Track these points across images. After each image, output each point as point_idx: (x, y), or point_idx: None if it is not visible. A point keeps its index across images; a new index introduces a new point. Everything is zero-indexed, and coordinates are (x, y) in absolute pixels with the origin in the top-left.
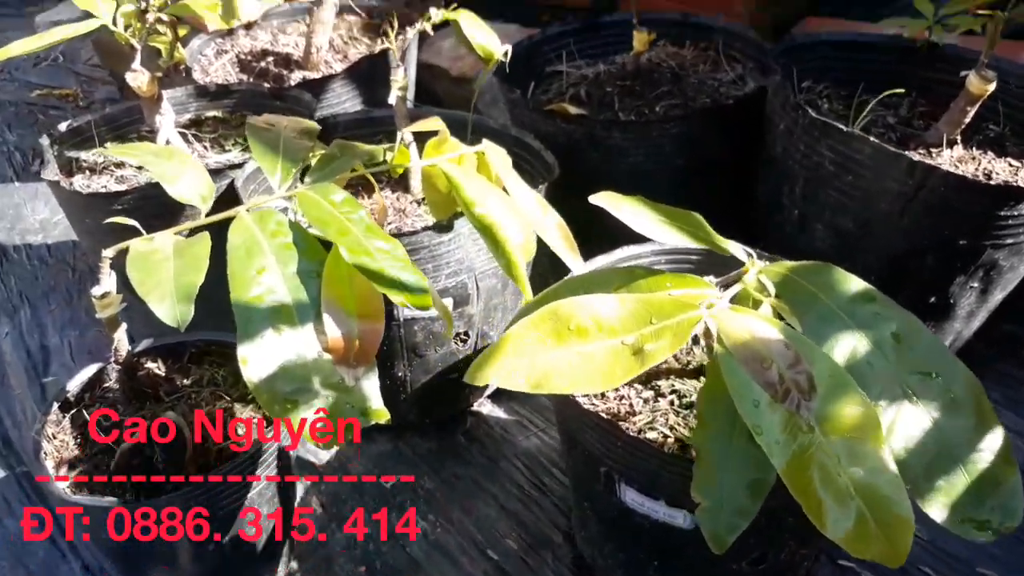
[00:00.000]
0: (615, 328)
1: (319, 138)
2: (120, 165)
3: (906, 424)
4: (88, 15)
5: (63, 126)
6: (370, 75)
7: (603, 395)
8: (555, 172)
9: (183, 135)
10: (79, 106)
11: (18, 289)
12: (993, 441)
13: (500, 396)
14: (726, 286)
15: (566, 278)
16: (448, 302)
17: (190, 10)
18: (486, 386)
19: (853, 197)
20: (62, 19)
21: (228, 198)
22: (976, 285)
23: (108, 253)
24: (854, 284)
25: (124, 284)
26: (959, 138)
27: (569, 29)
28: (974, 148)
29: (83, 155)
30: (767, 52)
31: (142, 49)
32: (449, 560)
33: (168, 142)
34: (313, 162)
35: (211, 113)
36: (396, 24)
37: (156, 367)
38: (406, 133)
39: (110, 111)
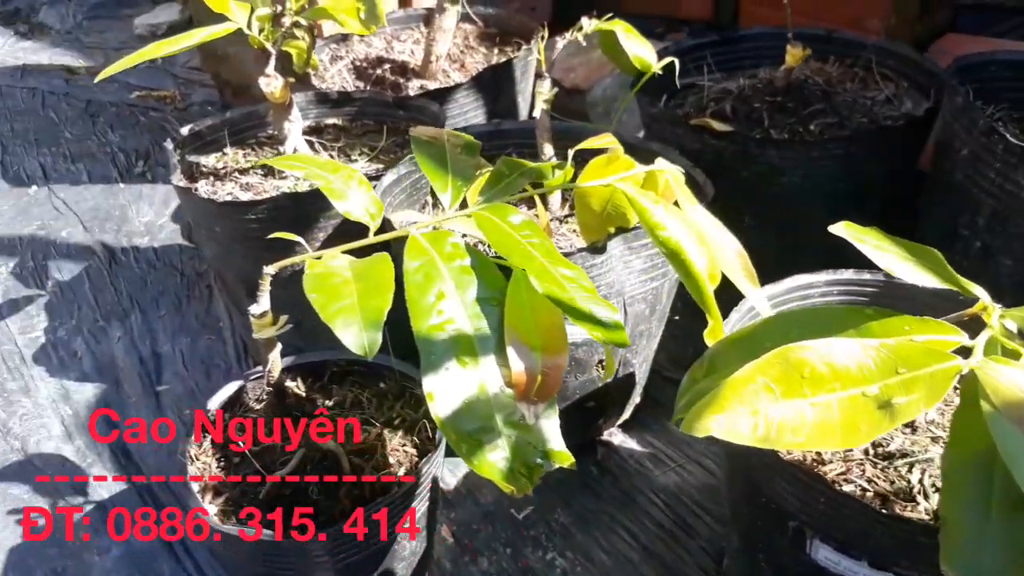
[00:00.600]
0: (856, 377)
1: None
2: (244, 171)
3: None
4: (223, 18)
5: (185, 130)
6: (492, 85)
7: None
8: (709, 194)
9: (309, 143)
10: (177, 108)
11: (128, 293)
12: None
13: (631, 426)
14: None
15: (763, 318)
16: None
17: (329, 14)
18: (620, 415)
19: None
20: (160, 21)
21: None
22: None
23: (270, 270)
24: None
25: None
26: None
27: (706, 42)
28: None
29: (203, 159)
30: (930, 71)
31: (276, 53)
32: None
33: (296, 150)
34: (479, 180)
35: (331, 120)
36: (513, 42)
37: (296, 386)
38: (548, 148)
39: (230, 115)
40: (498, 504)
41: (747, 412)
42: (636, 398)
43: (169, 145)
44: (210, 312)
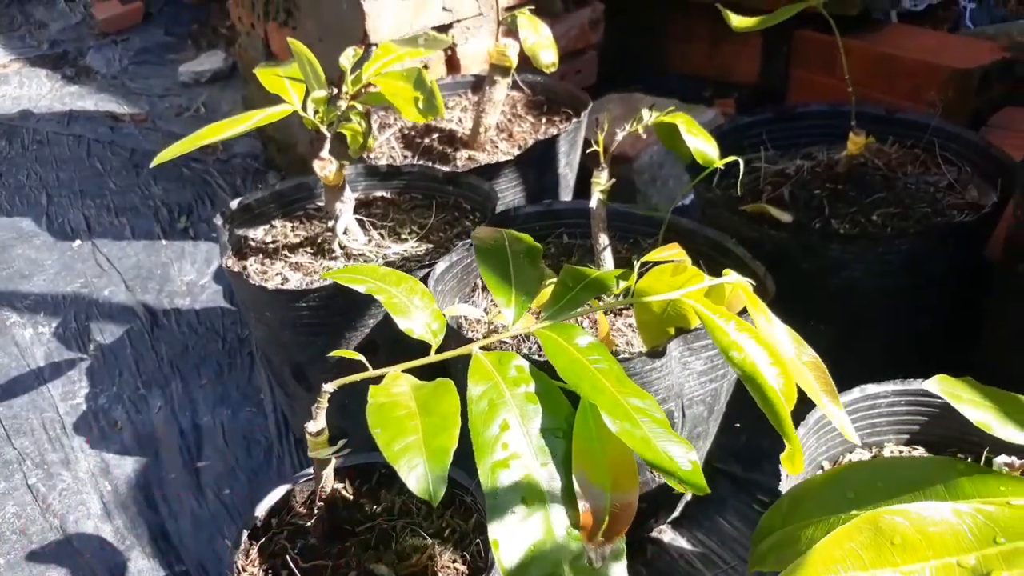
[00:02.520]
0: (949, 545)
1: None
2: (292, 249)
3: None
4: (279, 99)
5: (234, 204)
6: (540, 159)
7: None
8: (771, 291)
9: (360, 222)
10: (220, 159)
11: (168, 359)
12: None
13: (682, 523)
14: None
15: (845, 464)
16: None
17: (386, 101)
18: (671, 513)
19: None
20: (204, 68)
21: None
22: None
23: (329, 388)
24: None
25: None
26: None
27: (761, 119)
28: None
29: (252, 232)
30: (996, 158)
31: (332, 137)
32: None
33: (347, 230)
34: (543, 293)
35: (379, 193)
36: (561, 111)
37: (344, 488)
38: (603, 237)
39: (279, 187)
40: None
41: None
42: (687, 495)
43: (219, 221)
44: (251, 381)
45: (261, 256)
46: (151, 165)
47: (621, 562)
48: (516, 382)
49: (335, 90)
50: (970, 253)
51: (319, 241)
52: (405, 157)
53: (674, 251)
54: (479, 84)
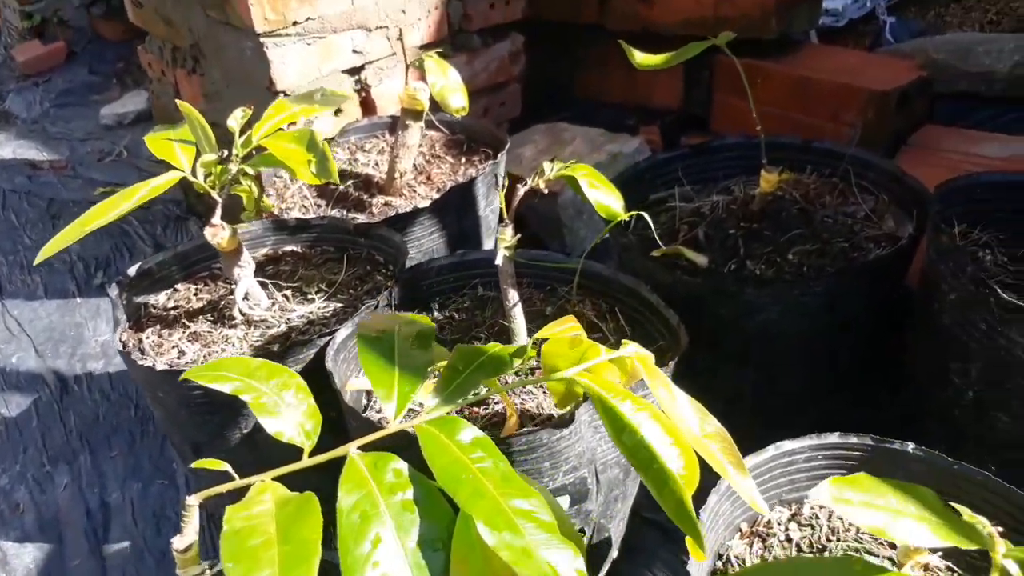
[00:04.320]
0: None
1: (407, 289)
2: (192, 316)
3: None
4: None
5: (132, 270)
6: (459, 203)
7: None
8: (683, 342)
9: (263, 284)
10: (143, 207)
11: (78, 430)
12: None
13: None
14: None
15: (745, 569)
16: (564, 501)
17: (278, 163)
18: (596, 573)
19: None
20: (127, 110)
21: (316, 368)
22: None
23: (193, 501)
24: None
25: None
26: None
27: (678, 154)
28: None
29: (153, 299)
30: (911, 187)
31: (223, 202)
32: None
33: (247, 295)
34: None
35: (289, 248)
36: (480, 151)
37: None
38: (512, 294)
39: (181, 249)
40: None
41: None
42: (613, 553)
43: (113, 292)
44: (164, 452)
45: (159, 326)
46: (35, 262)
47: None
48: (393, 489)
49: (225, 153)
50: (888, 287)
51: (221, 306)
52: (319, 206)
53: (569, 324)
54: (396, 125)
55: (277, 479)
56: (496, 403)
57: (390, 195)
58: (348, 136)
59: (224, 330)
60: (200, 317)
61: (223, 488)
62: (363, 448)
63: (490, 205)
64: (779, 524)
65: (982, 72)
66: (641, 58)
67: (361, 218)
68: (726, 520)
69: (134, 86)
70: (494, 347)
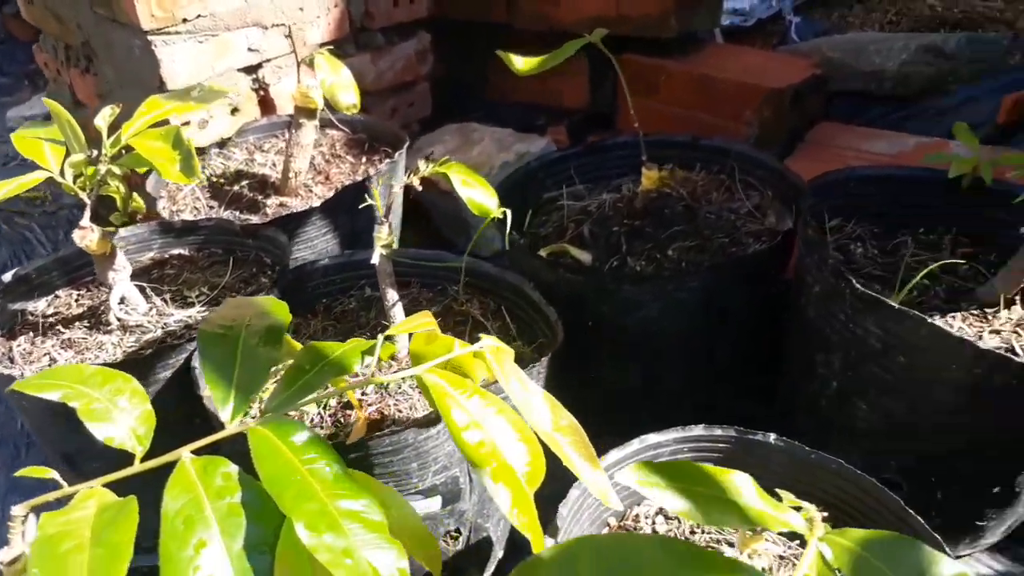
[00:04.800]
0: None
1: (292, 290)
2: (69, 323)
3: None
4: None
5: (8, 276)
6: (353, 203)
7: None
8: (559, 337)
9: (141, 288)
10: (46, 212)
11: None
12: None
13: None
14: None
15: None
16: (436, 501)
17: (145, 162)
18: (481, 573)
19: (905, 380)
20: (35, 113)
21: (185, 382)
22: None
23: (18, 511)
24: (947, 569)
25: None
26: (1018, 297)
27: (569, 153)
28: None
29: (31, 306)
30: (792, 182)
31: (92, 203)
32: None
33: (123, 300)
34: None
35: (176, 251)
36: (381, 150)
37: None
38: (391, 293)
39: (64, 253)
40: None
41: None
42: (499, 553)
43: None
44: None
45: (33, 334)
46: None
47: None
48: (221, 493)
49: (95, 152)
50: (765, 281)
51: (100, 312)
52: (211, 208)
53: (424, 320)
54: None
55: (108, 485)
56: (370, 405)
57: (285, 195)
58: (246, 136)
59: (99, 336)
60: (77, 324)
61: (51, 496)
62: (198, 452)
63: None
64: (646, 518)
65: (873, 71)
66: (521, 64)
67: (255, 219)
68: (592, 515)
69: (46, 87)
70: (343, 346)
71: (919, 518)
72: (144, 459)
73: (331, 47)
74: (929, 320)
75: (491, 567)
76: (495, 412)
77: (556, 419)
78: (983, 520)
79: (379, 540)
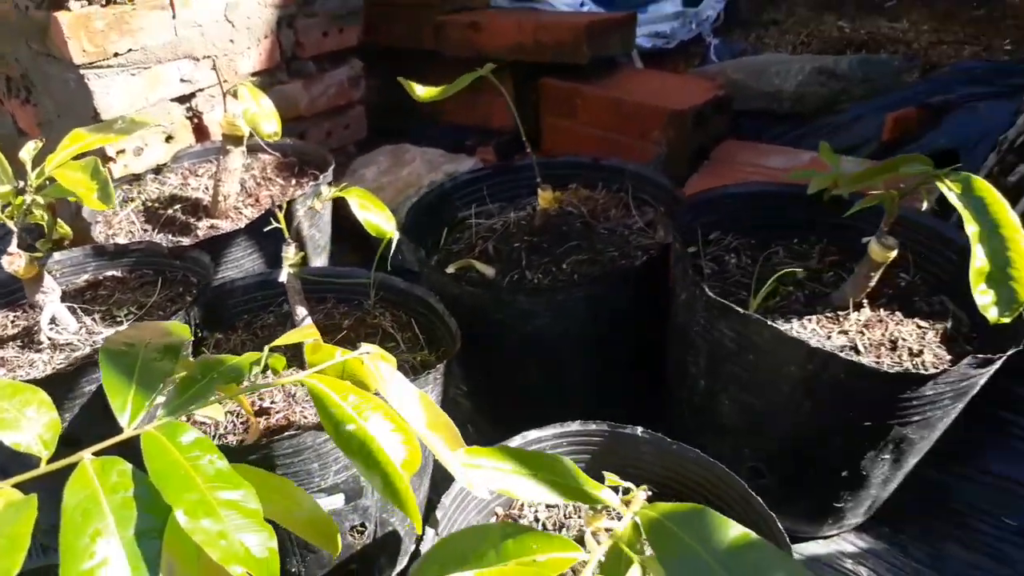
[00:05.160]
0: None
1: (214, 307)
2: (2, 343)
3: None
4: None
5: None
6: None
7: None
8: (457, 344)
9: (71, 308)
10: None
11: None
12: None
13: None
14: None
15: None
16: (339, 499)
17: (67, 192)
18: (392, 569)
19: (756, 376)
20: None
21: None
22: (887, 457)
23: None
24: (731, 532)
25: None
26: (866, 300)
27: (481, 175)
28: (882, 308)
29: None
30: (678, 198)
31: (18, 231)
32: None
33: (53, 319)
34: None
35: (110, 273)
36: (310, 172)
37: None
38: (300, 309)
39: (1, 276)
40: None
41: None
42: (410, 546)
43: None
44: None
45: None
46: None
47: None
48: (116, 488)
49: (21, 183)
50: (647, 291)
51: (34, 332)
52: (145, 231)
53: (309, 333)
54: None
55: (17, 486)
56: (277, 412)
57: (216, 218)
58: (181, 161)
59: (31, 355)
60: (10, 343)
61: None
62: (99, 454)
63: (316, 225)
64: (530, 507)
65: (773, 91)
66: (421, 92)
67: (186, 241)
68: (479, 505)
69: None
70: (235, 358)
71: (759, 499)
72: (50, 462)
73: (264, 76)
74: (769, 323)
75: (403, 560)
76: (371, 409)
77: (430, 417)
78: (840, 502)
79: (253, 524)
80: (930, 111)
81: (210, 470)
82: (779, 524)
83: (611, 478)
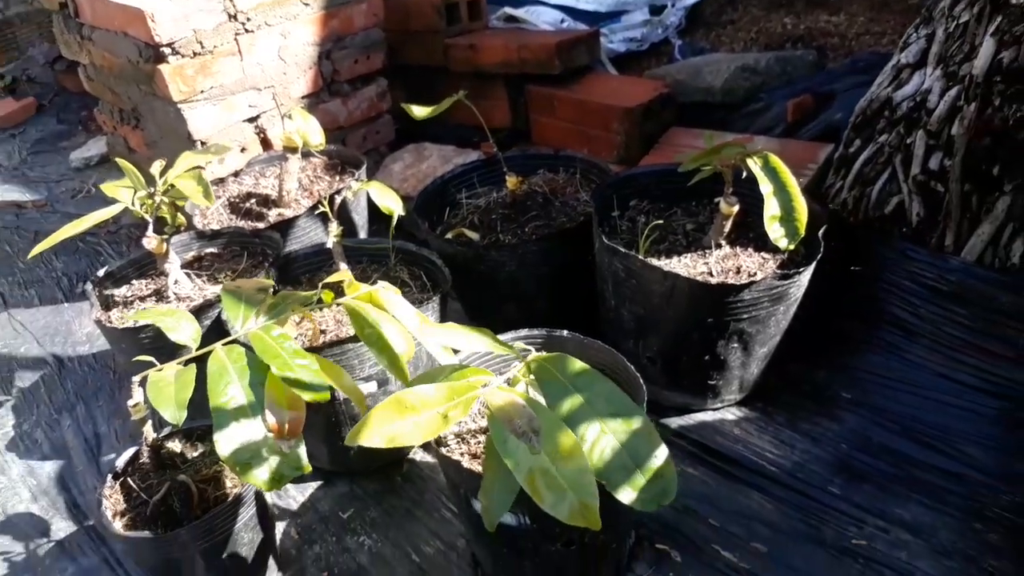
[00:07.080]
0: (432, 403)
1: (285, 269)
2: (143, 299)
3: (602, 446)
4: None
5: (101, 272)
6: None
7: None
8: (448, 283)
9: (187, 274)
10: (110, 231)
11: (74, 390)
12: (660, 452)
13: (428, 446)
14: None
15: (420, 374)
16: (372, 385)
17: (184, 195)
18: None
19: (638, 294)
20: (91, 154)
21: (215, 327)
22: (736, 346)
23: (136, 379)
24: (577, 366)
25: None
26: (725, 242)
27: (471, 167)
28: (738, 248)
29: (116, 292)
30: (608, 180)
31: (152, 221)
32: (385, 564)
33: (177, 281)
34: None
35: (209, 250)
36: (349, 170)
37: (174, 444)
38: (343, 266)
39: (134, 256)
40: (331, 510)
41: (380, 429)
42: None
43: (89, 287)
44: None
45: (121, 307)
46: (28, 257)
47: (301, 448)
48: (236, 360)
49: (153, 189)
50: (584, 243)
51: (163, 291)
52: (232, 219)
53: (343, 275)
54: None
55: (181, 363)
56: (330, 331)
57: (282, 207)
58: (253, 167)
59: (164, 305)
60: (148, 300)
61: (151, 372)
62: (227, 344)
63: (355, 209)
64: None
65: (706, 87)
66: (419, 112)
67: (261, 225)
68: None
69: (97, 132)
70: (300, 293)
71: (635, 370)
72: (198, 350)
73: (310, 97)
74: (640, 257)
75: None
76: (385, 319)
77: (424, 326)
78: (712, 380)
79: (315, 375)
80: (822, 97)
81: (290, 348)
82: (642, 382)
83: (519, 344)
